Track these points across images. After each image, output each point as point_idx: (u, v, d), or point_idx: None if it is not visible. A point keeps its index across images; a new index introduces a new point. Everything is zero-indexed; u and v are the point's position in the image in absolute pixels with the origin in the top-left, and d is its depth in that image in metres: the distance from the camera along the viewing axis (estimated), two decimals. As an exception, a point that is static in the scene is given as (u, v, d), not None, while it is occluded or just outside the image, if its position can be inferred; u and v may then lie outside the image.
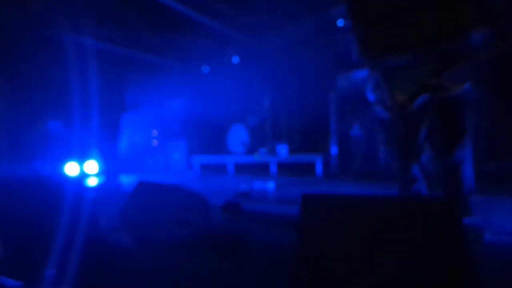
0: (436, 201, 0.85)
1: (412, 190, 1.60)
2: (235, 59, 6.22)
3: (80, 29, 4.90)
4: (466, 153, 1.42)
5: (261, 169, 5.39)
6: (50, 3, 4.27)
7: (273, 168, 5.06)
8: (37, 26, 4.64)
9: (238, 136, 5.92)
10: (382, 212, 0.80)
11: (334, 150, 4.34)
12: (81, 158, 4.70)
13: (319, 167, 4.52)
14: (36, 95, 4.74)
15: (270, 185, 3.43)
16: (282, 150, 5.13)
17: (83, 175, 4.67)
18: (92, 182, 4.27)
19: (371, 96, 1.61)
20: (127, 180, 4.61)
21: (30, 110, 4.66)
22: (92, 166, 4.93)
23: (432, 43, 1.31)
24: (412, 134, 1.53)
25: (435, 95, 1.38)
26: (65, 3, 4.28)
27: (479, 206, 1.48)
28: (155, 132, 6.97)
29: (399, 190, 1.63)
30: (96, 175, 4.91)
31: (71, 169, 4.42)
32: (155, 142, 6.95)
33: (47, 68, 4.88)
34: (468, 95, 1.42)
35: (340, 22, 4.60)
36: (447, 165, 1.43)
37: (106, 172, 3.93)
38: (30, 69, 4.71)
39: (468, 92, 1.42)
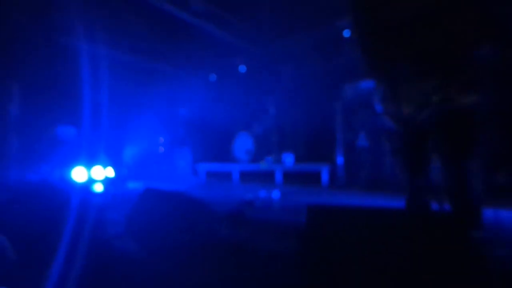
0: (444, 215, 0.84)
1: (420, 202, 1.58)
2: (242, 68, 6.30)
3: (92, 37, 5.04)
4: (474, 165, 1.40)
5: (266, 178, 5.37)
6: (63, 12, 4.41)
7: (278, 177, 5.04)
8: (50, 34, 4.80)
9: (243, 144, 5.94)
10: (389, 226, 0.79)
11: (340, 159, 4.31)
12: (89, 163, 4.76)
13: (325, 177, 4.49)
14: (48, 101, 4.86)
15: (275, 194, 3.41)
16: (288, 158, 5.12)
17: (90, 181, 4.72)
18: (99, 188, 4.32)
19: (378, 107, 1.61)
20: (133, 186, 4.64)
21: (41, 115, 4.78)
22: (99, 172, 5.00)
23: (438, 55, 1.31)
24: (419, 145, 1.51)
25: (442, 106, 1.38)
26: (77, 12, 4.42)
27: (489, 219, 1.45)
28: (161, 139, 7.04)
29: (406, 201, 1.61)
30: (103, 181, 4.97)
31: (79, 174, 4.47)
32: (161, 149, 7.01)
33: (58, 74, 5.02)
34: (476, 106, 1.41)
35: (346, 33, 4.64)
36: (455, 176, 1.41)
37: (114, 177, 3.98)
38: (42, 76, 4.84)
39: (476, 104, 1.41)
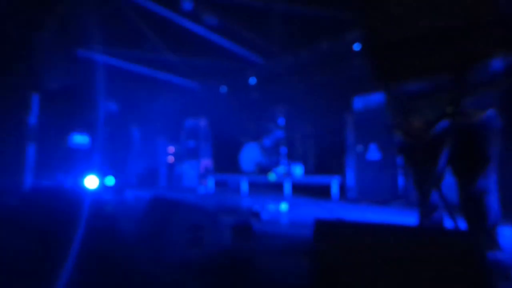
0: (458, 233, 0.81)
1: (433, 219, 1.53)
2: (252, 80, 6.38)
3: (106, 50, 5.24)
4: (490, 182, 1.35)
5: (275, 189, 5.33)
6: (79, 26, 4.62)
7: (287, 189, 5.00)
8: (69, 47, 5.02)
9: (252, 155, 5.94)
10: (399, 243, 0.77)
11: (350, 172, 4.25)
12: (101, 171, 4.86)
13: (334, 189, 4.42)
14: (64, 111, 5.04)
15: (283, 206, 3.37)
16: (297, 170, 5.08)
17: (102, 189, 4.80)
18: (110, 194, 4.38)
19: (388, 119, 1.60)
20: (142, 195, 4.69)
21: (57, 125, 4.94)
22: (110, 180, 5.09)
23: (451, 70, 1.30)
24: (431, 161, 1.48)
25: (456, 121, 1.35)
26: (93, 26, 4.62)
27: (506, 238, 1.39)
28: (171, 149, 7.14)
29: (419, 218, 1.56)
30: (113, 188, 5.05)
31: (90, 182, 4.56)
32: (171, 159, 7.10)
33: (74, 85, 5.21)
34: (491, 122, 1.38)
35: (356, 46, 4.66)
36: (470, 194, 1.36)
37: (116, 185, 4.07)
38: (59, 86, 5.04)
39: (491, 119, 1.37)
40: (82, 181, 4.44)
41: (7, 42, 4.24)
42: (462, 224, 1.35)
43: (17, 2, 4.00)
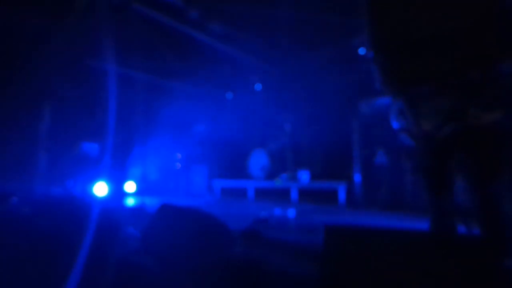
0: (473, 240, 0.79)
1: (445, 225, 1.49)
2: (258, 86, 6.42)
3: (115, 59, 5.34)
4: (504, 187, 1.32)
5: (281, 195, 5.30)
6: (89, 36, 4.74)
7: (293, 194, 4.96)
8: (79, 58, 5.14)
9: (259, 161, 5.94)
10: (412, 249, 0.76)
11: (357, 177, 4.20)
12: (112, 179, 4.92)
13: (341, 195, 4.37)
14: (74, 119, 5.15)
15: (291, 212, 3.35)
16: (303, 176, 5.05)
17: (112, 196, 4.85)
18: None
19: (395, 124, 1.58)
20: (150, 202, 4.71)
21: (67, 132, 5.04)
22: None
23: (458, 73, 1.29)
24: (441, 165, 1.46)
25: (465, 124, 1.33)
26: (102, 36, 4.73)
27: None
28: (179, 156, 7.18)
29: (431, 224, 1.53)
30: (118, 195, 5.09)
31: (99, 189, 4.62)
32: (178, 165, 7.14)
33: (84, 94, 5.33)
34: (502, 124, 1.35)
35: (361, 51, 4.67)
36: (483, 199, 1.33)
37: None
38: (69, 95, 5.16)
39: (502, 121, 1.35)
40: (91, 188, 4.49)
41: (20, 51, 4.38)
42: (476, 230, 1.32)
43: (30, 12, 4.14)
